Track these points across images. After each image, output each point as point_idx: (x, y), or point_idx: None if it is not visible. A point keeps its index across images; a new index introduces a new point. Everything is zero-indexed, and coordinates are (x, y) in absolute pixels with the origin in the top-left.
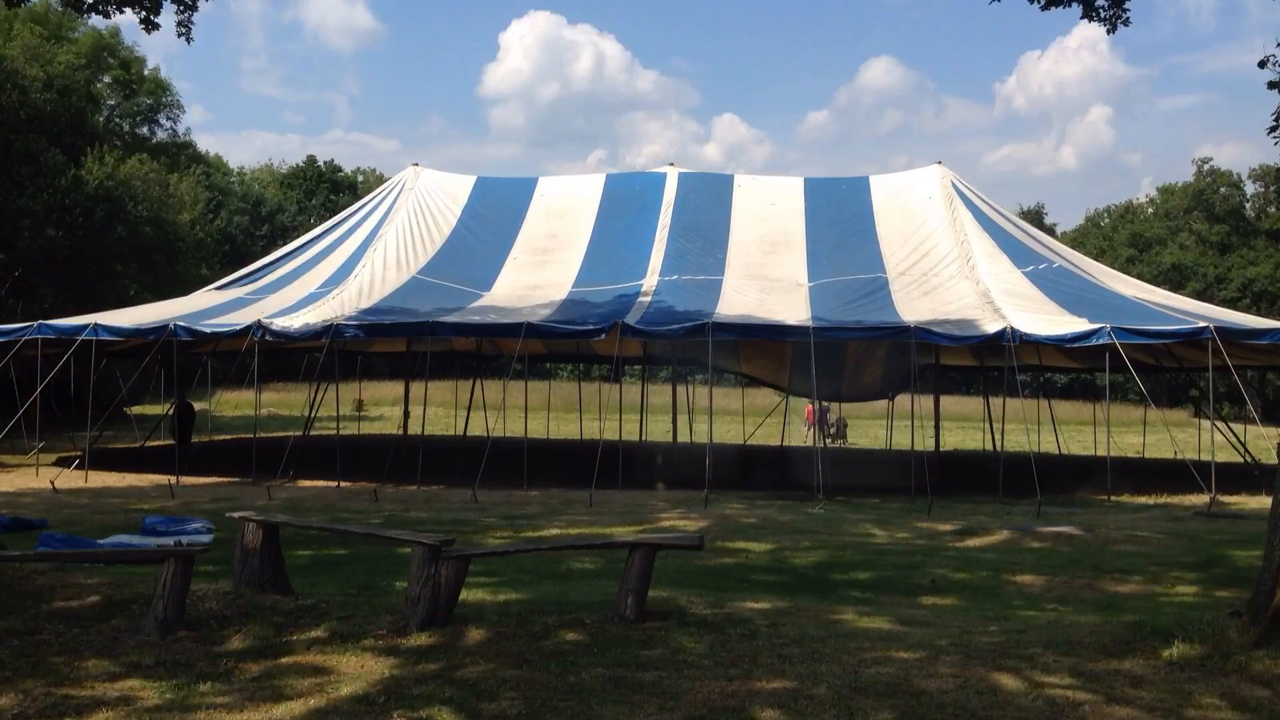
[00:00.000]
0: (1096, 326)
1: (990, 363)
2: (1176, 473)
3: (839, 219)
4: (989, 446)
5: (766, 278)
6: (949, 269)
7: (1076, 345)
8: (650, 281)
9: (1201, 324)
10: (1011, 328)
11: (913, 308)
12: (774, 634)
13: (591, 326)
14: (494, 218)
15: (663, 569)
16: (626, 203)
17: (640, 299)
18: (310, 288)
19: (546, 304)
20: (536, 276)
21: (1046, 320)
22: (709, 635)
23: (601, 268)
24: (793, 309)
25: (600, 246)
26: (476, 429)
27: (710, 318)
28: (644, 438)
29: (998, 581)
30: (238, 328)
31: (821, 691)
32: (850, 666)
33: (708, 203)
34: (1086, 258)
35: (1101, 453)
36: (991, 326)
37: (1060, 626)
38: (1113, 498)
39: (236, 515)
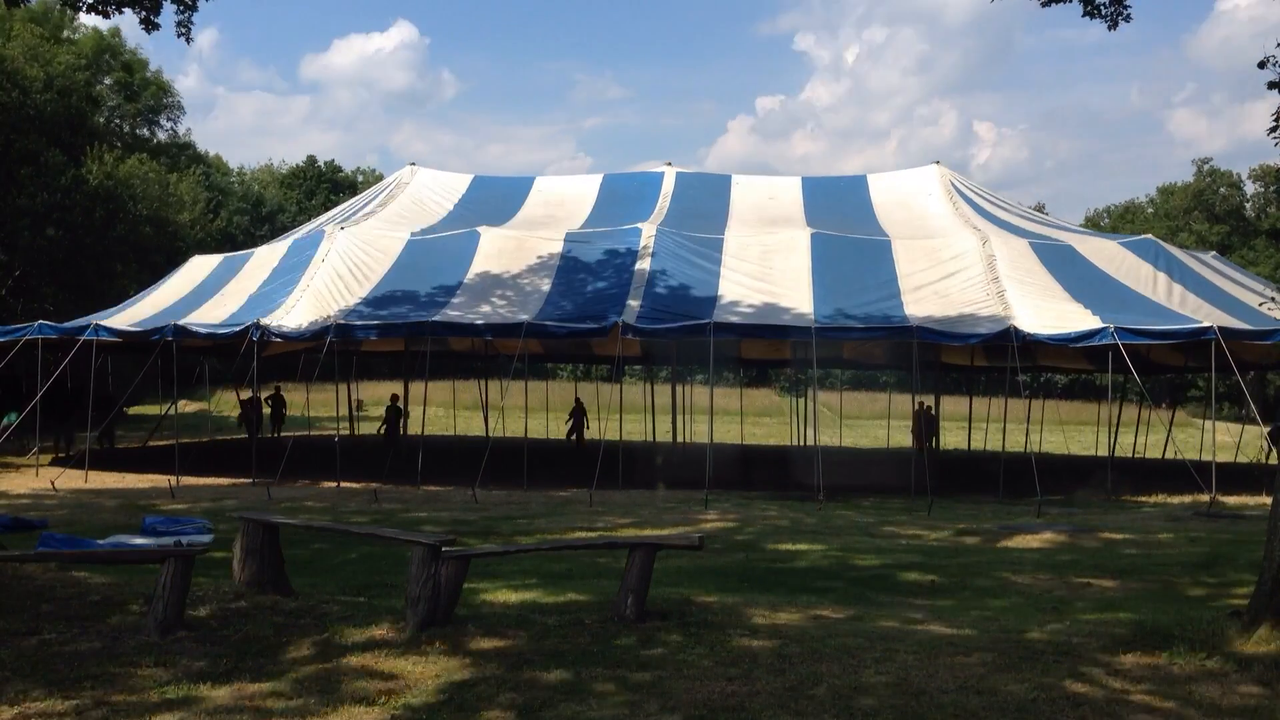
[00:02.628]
0: (1100, 326)
1: (995, 364)
2: (1176, 473)
3: (839, 210)
4: (988, 446)
5: (767, 263)
6: (953, 254)
7: (1080, 345)
8: (649, 231)
9: (1205, 324)
10: (1015, 328)
11: (915, 297)
12: (774, 634)
13: (591, 325)
14: (489, 204)
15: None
16: (623, 196)
17: (639, 260)
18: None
19: (539, 262)
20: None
21: (1052, 313)
22: (709, 635)
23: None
24: (794, 298)
25: (597, 222)
26: (476, 429)
27: (711, 317)
28: (653, 438)
29: (1001, 582)
30: (236, 328)
31: (821, 692)
32: (850, 666)
33: (705, 196)
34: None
35: (1102, 453)
36: (995, 324)
37: (1060, 627)
38: (1113, 498)
39: (237, 515)
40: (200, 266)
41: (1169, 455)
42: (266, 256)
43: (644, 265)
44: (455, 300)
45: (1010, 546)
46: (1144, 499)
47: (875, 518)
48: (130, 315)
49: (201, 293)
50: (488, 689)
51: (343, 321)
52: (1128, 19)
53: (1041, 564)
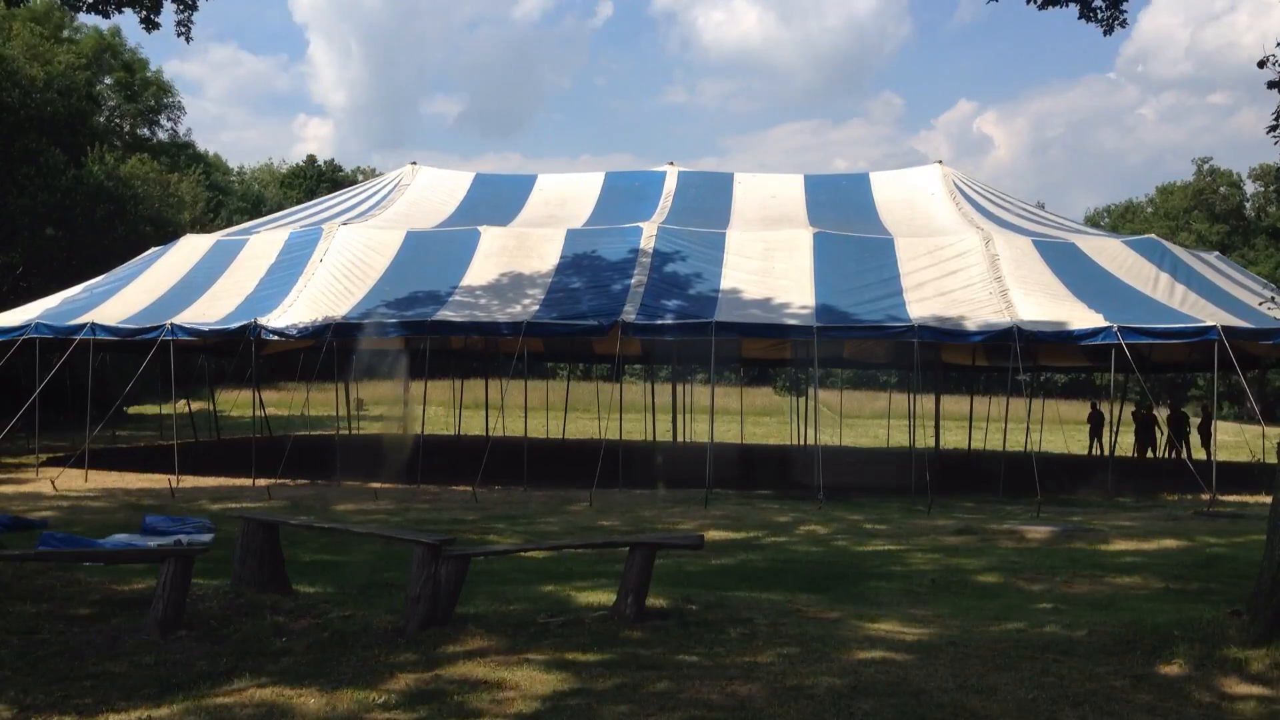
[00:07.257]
0: (1104, 325)
1: (996, 363)
2: (1176, 472)
3: (842, 209)
4: (989, 446)
5: (769, 261)
6: (956, 253)
7: (1083, 344)
8: (650, 230)
9: (1209, 323)
10: (1018, 327)
11: (918, 296)
12: (774, 634)
13: (592, 324)
14: (491, 203)
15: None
16: (625, 194)
17: (640, 258)
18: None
19: (539, 260)
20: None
21: (1055, 311)
22: (709, 635)
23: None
24: (796, 297)
25: (599, 220)
26: (476, 428)
27: (712, 316)
28: (653, 437)
29: (999, 583)
30: (233, 327)
31: (821, 692)
32: (851, 666)
33: (707, 195)
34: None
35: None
36: (998, 323)
37: (1059, 627)
38: (1113, 497)
39: (237, 514)
40: (194, 248)
41: (1169, 454)
42: (263, 247)
43: (645, 264)
44: (456, 299)
45: (1001, 545)
46: (1144, 498)
47: (876, 516)
48: (124, 308)
49: (195, 284)
50: (488, 689)
51: (343, 320)
52: (1124, 24)
53: (1040, 563)
